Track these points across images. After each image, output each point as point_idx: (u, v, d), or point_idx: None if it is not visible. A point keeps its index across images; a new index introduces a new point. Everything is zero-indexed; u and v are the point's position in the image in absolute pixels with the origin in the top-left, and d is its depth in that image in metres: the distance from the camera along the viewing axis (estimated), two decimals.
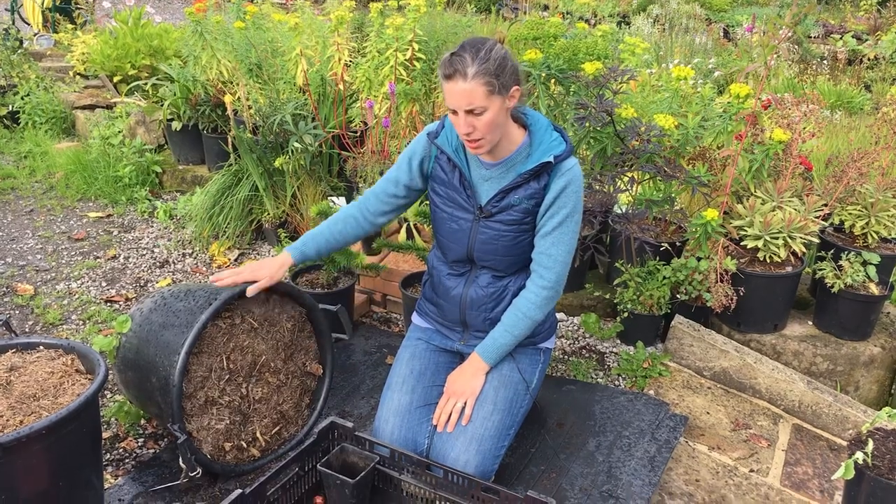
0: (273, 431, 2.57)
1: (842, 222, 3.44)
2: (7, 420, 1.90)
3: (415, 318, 2.68)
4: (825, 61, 7.58)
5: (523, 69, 3.22)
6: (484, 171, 2.29)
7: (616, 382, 3.10)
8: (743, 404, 3.00)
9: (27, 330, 3.44)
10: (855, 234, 3.38)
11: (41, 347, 2.24)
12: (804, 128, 3.36)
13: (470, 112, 2.08)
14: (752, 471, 2.63)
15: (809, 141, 3.43)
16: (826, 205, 3.38)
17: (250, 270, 2.43)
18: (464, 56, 2.05)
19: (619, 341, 3.40)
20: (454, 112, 2.12)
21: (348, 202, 3.92)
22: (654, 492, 2.44)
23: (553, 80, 3.33)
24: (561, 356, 3.27)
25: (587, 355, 3.30)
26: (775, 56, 6.50)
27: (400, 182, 2.44)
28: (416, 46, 3.86)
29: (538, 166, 2.21)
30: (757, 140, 3.21)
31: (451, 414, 2.30)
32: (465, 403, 2.31)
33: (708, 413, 2.93)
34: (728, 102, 3.18)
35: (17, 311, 3.62)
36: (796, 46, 7.59)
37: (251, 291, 2.38)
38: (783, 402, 2.98)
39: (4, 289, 3.85)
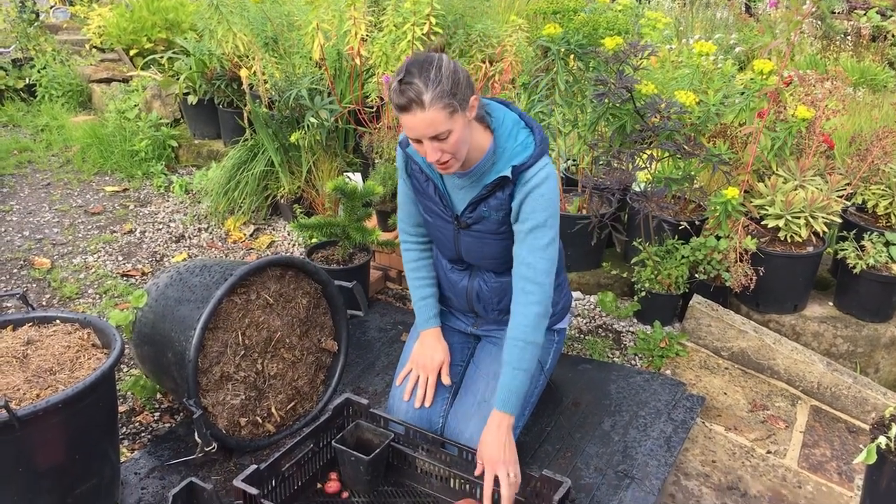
0: (288, 407, 2.57)
1: (864, 202, 3.38)
2: (24, 393, 1.91)
3: None
4: (848, 37, 7.44)
5: (541, 44, 3.18)
6: (457, 179, 2.16)
7: (632, 362, 3.08)
8: (761, 385, 2.98)
9: (44, 304, 3.46)
10: (878, 214, 3.32)
11: (58, 321, 2.24)
12: (827, 105, 3.30)
13: (435, 138, 1.94)
14: (769, 452, 2.61)
15: (833, 118, 3.37)
16: (849, 184, 3.33)
17: (431, 365, 2.38)
18: (414, 83, 1.88)
19: (635, 320, 3.37)
20: (417, 141, 1.98)
21: (364, 178, 3.90)
22: (669, 472, 2.43)
23: (572, 56, 3.27)
24: (577, 335, 3.25)
25: (603, 334, 3.27)
26: (799, 32, 6.39)
27: (411, 196, 2.36)
28: (433, 21, 3.81)
29: (497, 180, 2.09)
30: (779, 117, 3.16)
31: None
32: (515, 474, 2.07)
33: (725, 394, 2.90)
34: (750, 79, 3.12)
35: (34, 285, 3.64)
36: (819, 22, 7.45)
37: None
38: (802, 384, 2.95)
39: (22, 262, 3.86)
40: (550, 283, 2.14)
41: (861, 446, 2.68)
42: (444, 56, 1.94)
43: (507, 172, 2.05)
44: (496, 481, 2.05)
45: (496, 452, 2.07)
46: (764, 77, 3.05)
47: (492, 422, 2.12)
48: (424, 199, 2.28)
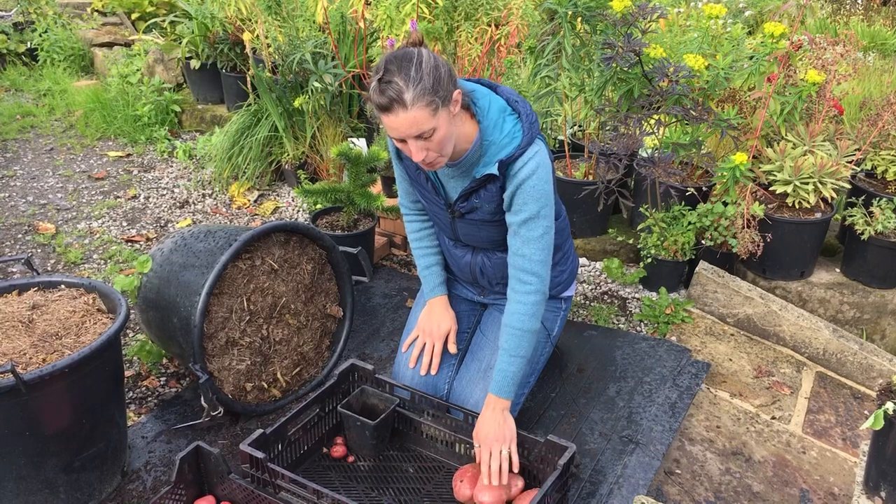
0: (293, 373, 2.58)
1: (874, 168, 3.35)
2: (30, 358, 1.91)
3: None
4: (859, 1, 7.33)
5: (548, 7, 3.13)
6: (447, 168, 2.11)
7: (638, 328, 3.08)
8: (766, 351, 2.98)
9: (49, 269, 3.46)
10: (887, 180, 3.30)
11: (63, 286, 2.24)
12: (837, 69, 3.25)
13: (419, 137, 1.88)
14: (773, 418, 2.61)
15: (843, 83, 3.32)
16: (859, 149, 3.29)
17: (438, 333, 2.38)
18: (395, 81, 1.80)
19: (641, 287, 3.37)
20: (401, 141, 1.92)
21: (369, 144, 3.87)
22: (674, 437, 2.44)
23: (579, 19, 3.22)
24: (582, 301, 3.24)
25: (609, 301, 3.27)
26: None
27: (406, 177, 2.32)
28: None
29: (484, 177, 2.04)
30: (789, 82, 3.11)
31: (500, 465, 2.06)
32: (510, 451, 2.06)
33: (730, 360, 2.90)
34: (760, 42, 3.08)
35: (39, 250, 3.63)
36: None
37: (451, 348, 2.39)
38: (807, 350, 2.95)
39: (26, 227, 3.86)
40: (547, 270, 2.10)
41: (866, 412, 2.68)
42: (424, 50, 1.87)
43: (494, 170, 2.01)
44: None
45: (491, 430, 2.06)
46: (774, 40, 3.00)
47: (487, 404, 2.11)
48: (418, 185, 2.26)
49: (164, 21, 5.70)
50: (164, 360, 2.76)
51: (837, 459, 2.46)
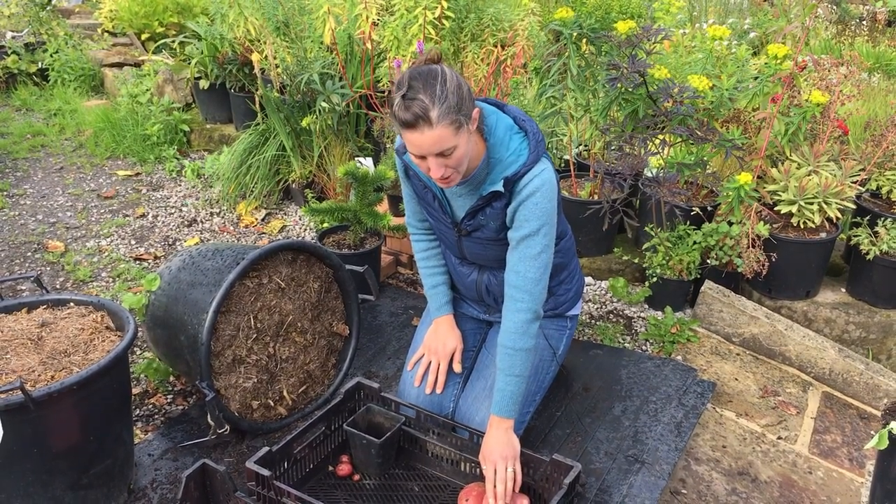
0: (300, 391, 2.59)
1: (879, 188, 3.36)
2: (38, 375, 1.93)
3: None
4: (864, 22, 7.37)
5: (553, 28, 3.16)
6: (455, 187, 2.12)
7: (643, 347, 3.08)
8: (772, 371, 2.97)
9: (58, 286, 3.48)
10: (892, 200, 3.30)
11: (71, 304, 2.25)
12: (841, 90, 3.27)
13: (440, 154, 1.89)
14: (779, 438, 2.61)
15: (847, 104, 3.34)
16: (863, 169, 3.30)
17: (443, 352, 2.39)
18: (420, 99, 1.82)
19: (647, 306, 3.37)
20: (420, 157, 1.94)
21: (375, 163, 3.90)
22: (680, 457, 2.43)
23: (584, 40, 3.25)
24: (588, 320, 3.25)
25: (614, 320, 3.27)
26: (814, 16, 6.34)
27: (414, 195, 2.35)
28: (445, 4, 3.79)
29: (490, 194, 2.06)
30: (793, 102, 3.13)
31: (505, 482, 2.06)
32: (514, 469, 2.07)
33: (736, 379, 2.90)
34: (765, 63, 3.10)
35: (48, 268, 3.66)
36: (834, 6, 7.38)
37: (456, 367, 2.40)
38: (813, 370, 2.95)
39: (36, 245, 3.89)
40: (541, 289, 2.11)
41: (872, 432, 2.67)
42: (446, 68, 1.89)
43: (499, 187, 2.03)
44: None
45: (496, 448, 2.07)
46: (778, 62, 3.02)
47: (491, 424, 2.12)
48: (425, 204, 2.28)
49: (173, 42, 5.76)
50: (172, 378, 2.78)
51: (844, 480, 2.45)
